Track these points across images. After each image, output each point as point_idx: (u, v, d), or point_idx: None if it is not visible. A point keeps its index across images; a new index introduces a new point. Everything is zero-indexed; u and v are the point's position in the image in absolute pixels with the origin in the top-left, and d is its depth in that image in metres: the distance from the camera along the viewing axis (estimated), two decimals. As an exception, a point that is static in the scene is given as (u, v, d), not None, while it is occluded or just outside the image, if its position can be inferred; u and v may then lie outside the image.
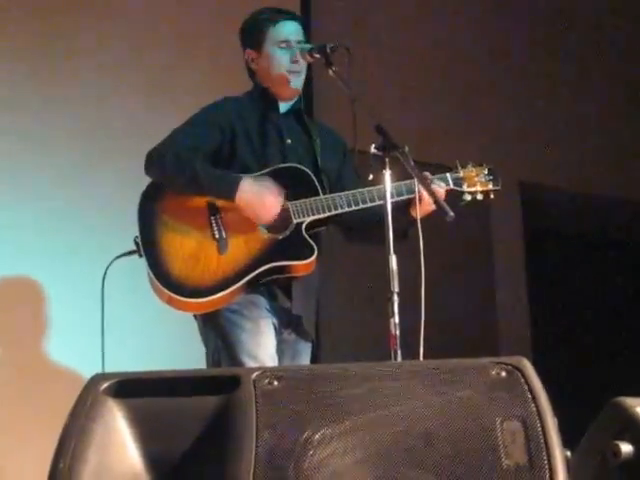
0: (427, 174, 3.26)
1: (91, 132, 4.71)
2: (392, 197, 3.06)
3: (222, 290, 3.18)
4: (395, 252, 2.91)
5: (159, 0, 5.19)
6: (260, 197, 3.23)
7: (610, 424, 2.16)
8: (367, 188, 3.27)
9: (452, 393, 1.95)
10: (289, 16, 3.51)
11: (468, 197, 3.38)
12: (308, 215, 3.27)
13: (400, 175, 3.13)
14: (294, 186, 3.31)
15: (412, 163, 2.99)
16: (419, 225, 3.15)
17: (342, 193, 3.30)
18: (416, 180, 3.10)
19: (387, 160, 3.01)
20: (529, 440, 1.89)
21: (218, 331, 3.27)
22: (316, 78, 5.47)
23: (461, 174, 3.40)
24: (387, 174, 3.02)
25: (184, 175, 3.26)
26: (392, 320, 2.89)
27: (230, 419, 1.97)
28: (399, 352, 2.86)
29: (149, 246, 3.23)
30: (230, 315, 3.25)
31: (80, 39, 4.80)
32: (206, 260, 3.21)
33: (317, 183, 3.34)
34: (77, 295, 4.31)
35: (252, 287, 3.24)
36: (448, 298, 5.66)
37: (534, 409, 1.91)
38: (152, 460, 2.00)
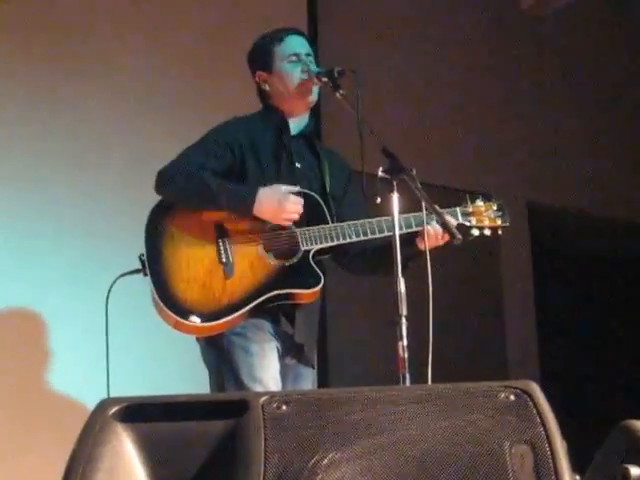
0: (436, 207, 3.22)
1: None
2: (401, 229, 3.06)
3: (227, 315, 3.17)
4: (403, 276, 2.91)
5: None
6: (279, 203, 3.21)
7: (619, 447, 2.15)
8: (376, 219, 3.27)
9: (460, 417, 1.94)
10: (293, 31, 3.53)
11: (476, 232, 3.35)
12: (316, 243, 3.26)
13: (407, 198, 3.13)
14: (303, 212, 3.28)
15: (419, 186, 3.00)
16: (427, 249, 3.16)
17: (351, 222, 3.28)
18: (423, 203, 3.09)
19: (395, 183, 3.01)
20: (538, 464, 1.88)
21: (222, 354, 3.25)
22: (323, 101, 5.51)
23: (470, 209, 3.37)
24: (395, 197, 3.02)
25: (197, 191, 3.25)
26: (400, 343, 2.88)
27: (238, 444, 1.96)
28: (407, 376, 2.86)
29: (155, 266, 3.21)
30: (234, 338, 3.23)
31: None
32: (212, 284, 3.20)
33: (326, 209, 3.33)
34: (81, 316, 4.32)
35: (257, 312, 3.23)
36: (457, 321, 5.67)
37: (543, 433, 1.90)
38: (161, 485, 1.99)
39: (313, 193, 3.35)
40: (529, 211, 6.65)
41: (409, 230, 3.24)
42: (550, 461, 1.88)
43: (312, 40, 5.47)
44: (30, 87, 4.71)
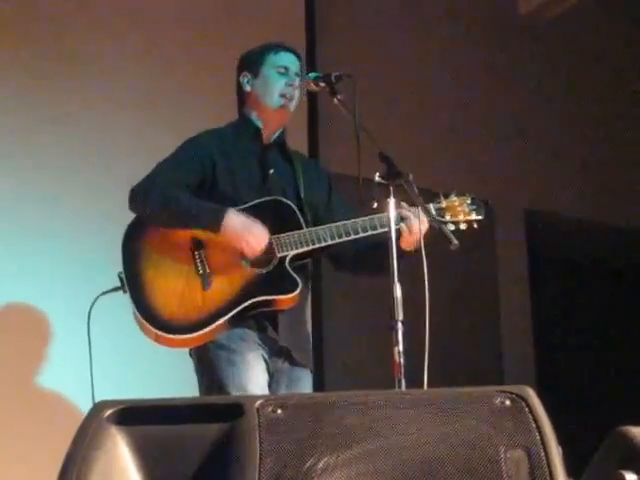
0: (433, 212, 3.28)
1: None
2: (365, 231, 3.19)
3: (207, 326, 3.20)
4: (399, 281, 2.91)
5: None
6: (247, 228, 3.24)
7: (615, 453, 2.14)
8: (351, 220, 3.29)
9: (456, 422, 1.94)
10: (291, 49, 3.56)
11: (452, 227, 3.35)
12: (291, 249, 3.29)
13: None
14: (277, 219, 3.32)
15: (416, 191, 3.00)
16: (423, 253, 3.16)
17: (325, 226, 3.31)
18: (420, 208, 3.10)
19: (392, 188, 3.01)
20: (533, 469, 1.88)
21: (208, 367, 3.28)
22: (321, 106, 5.52)
23: (444, 204, 3.40)
24: (391, 202, 3.02)
25: (169, 209, 3.28)
26: (396, 348, 2.88)
27: (233, 447, 1.96)
28: (403, 381, 2.86)
29: (134, 283, 3.24)
30: (219, 351, 3.25)
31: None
32: (191, 296, 3.23)
33: (300, 216, 3.35)
34: (64, 332, 4.36)
35: (239, 321, 3.26)
36: (453, 326, 5.67)
37: (538, 438, 1.90)
38: (155, 488, 1.99)
39: (287, 200, 3.38)
40: (526, 218, 6.65)
41: (374, 232, 3.27)
42: (545, 466, 1.88)
43: (310, 49, 5.56)
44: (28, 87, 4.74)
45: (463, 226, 3.40)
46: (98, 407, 2.04)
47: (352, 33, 6.12)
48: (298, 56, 3.58)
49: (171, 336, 3.20)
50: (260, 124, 3.54)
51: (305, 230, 3.32)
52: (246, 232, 3.23)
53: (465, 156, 6.39)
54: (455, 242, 2.93)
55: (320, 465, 1.90)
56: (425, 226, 3.21)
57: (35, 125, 4.70)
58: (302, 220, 3.35)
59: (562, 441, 1.96)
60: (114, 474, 1.98)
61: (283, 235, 3.30)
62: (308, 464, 1.90)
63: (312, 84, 3.37)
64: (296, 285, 3.27)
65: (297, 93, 3.52)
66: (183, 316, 3.20)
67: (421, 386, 2.87)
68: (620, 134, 7.09)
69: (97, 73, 4.92)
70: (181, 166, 3.39)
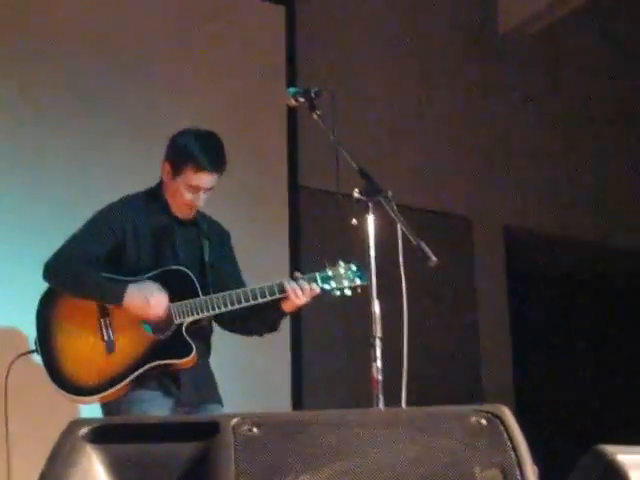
0: (298, 273, 3.54)
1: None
2: (255, 299, 3.48)
3: (110, 388, 3.46)
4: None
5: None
6: (146, 299, 3.47)
7: (591, 472, 2.14)
8: (242, 289, 3.53)
9: (432, 441, 1.94)
10: (212, 168, 3.57)
11: (337, 293, 3.53)
12: (188, 316, 3.51)
13: (382, 221, 3.13)
14: (178, 288, 3.54)
15: (395, 208, 3.01)
16: (402, 269, 3.21)
17: (219, 294, 3.53)
18: (399, 225, 3.10)
19: (370, 205, 3.02)
20: (509, 489, 1.88)
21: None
22: (301, 122, 5.52)
23: (330, 272, 3.55)
24: (370, 218, 3.03)
25: (76, 286, 3.53)
26: (374, 365, 2.89)
27: (209, 466, 1.95)
28: (381, 397, 2.86)
29: (44, 349, 3.50)
30: (124, 405, 3.47)
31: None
32: (95, 360, 3.49)
33: (197, 284, 3.56)
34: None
35: (142, 381, 3.48)
36: (431, 343, 5.67)
37: (514, 457, 1.90)
38: (130, 507, 1.97)
39: (186, 270, 3.58)
40: (505, 234, 6.67)
41: (272, 297, 3.50)
42: (521, 486, 1.88)
43: (290, 63, 5.57)
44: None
45: (348, 292, 3.53)
46: (73, 425, 2.02)
47: (333, 48, 6.12)
48: (219, 171, 3.60)
49: (75, 397, 3.49)
50: (169, 201, 3.67)
51: (201, 298, 3.53)
52: (145, 304, 3.46)
53: (444, 173, 6.40)
54: (434, 259, 2.94)
55: (296, 484, 1.89)
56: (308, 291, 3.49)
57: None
58: (199, 288, 3.55)
59: (539, 459, 1.97)
60: (89, 493, 1.97)
61: (179, 304, 3.52)
62: (284, 483, 1.89)
63: (292, 99, 3.38)
64: (190, 350, 3.49)
65: (202, 201, 3.62)
66: (86, 379, 3.47)
67: (399, 402, 2.87)
68: (600, 150, 7.13)
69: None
70: (94, 238, 3.61)
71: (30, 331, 3.55)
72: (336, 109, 3.16)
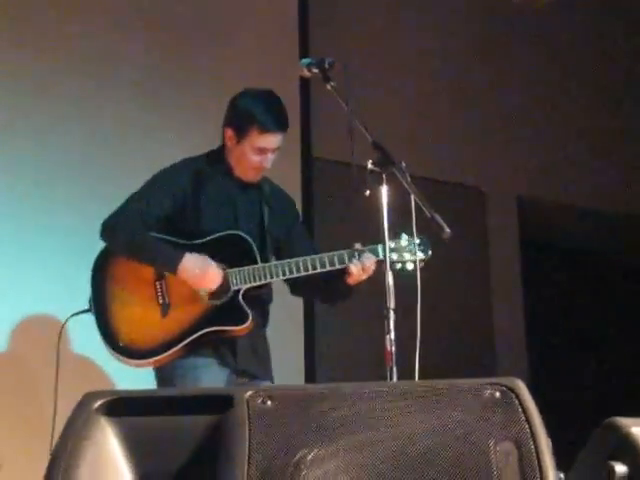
0: (358, 245, 3.42)
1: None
2: (324, 267, 3.39)
3: (163, 352, 3.41)
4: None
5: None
6: (201, 271, 3.41)
7: (604, 444, 2.14)
8: (302, 257, 3.44)
9: (446, 414, 1.94)
10: (277, 128, 3.52)
11: (398, 266, 3.42)
12: (245, 283, 3.46)
13: (396, 192, 3.13)
14: (235, 253, 3.49)
15: (409, 179, 3.00)
16: (416, 241, 3.23)
17: (278, 262, 3.50)
18: (412, 196, 3.09)
19: (384, 176, 3.01)
20: (522, 461, 1.88)
21: (166, 383, 3.46)
22: (314, 92, 5.50)
23: (393, 245, 3.43)
24: (384, 190, 3.02)
25: (132, 250, 3.50)
26: (388, 337, 2.89)
27: (223, 439, 1.96)
28: (395, 369, 2.86)
29: (99, 310, 3.47)
30: (177, 371, 3.44)
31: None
32: (150, 323, 3.45)
33: (256, 251, 3.50)
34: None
35: (196, 348, 3.43)
36: (445, 316, 5.66)
37: (528, 430, 1.90)
38: (144, 479, 1.98)
39: (245, 235, 3.52)
40: (518, 205, 6.65)
41: (331, 268, 3.42)
42: (535, 458, 1.88)
43: (303, 35, 5.54)
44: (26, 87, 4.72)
45: (410, 266, 3.43)
46: (87, 398, 2.03)
47: (347, 19, 6.08)
48: (284, 130, 3.56)
49: (128, 360, 3.44)
50: (233, 165, 3.60)
51: (259, 265, 3.47)
52: (199, 275, 3.41)
53: (458, 143, 6.37)
54: (447, 230, 2.93)
55: (310, 457, 1.90)
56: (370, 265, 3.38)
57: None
58: (258, 254, 3.50)
59: (552, 433, 1.96)
60: (103, 465, 1.98)
61: (237, 270, 3.45)
62: (298, 456, 1.90)
63: (305, 70, 3.35)
64: (246, 317, 3.44)
65: (269, 163, 3.56)
66: (141, 342, 3.44)
67: (413, 375, 2.88)
68: (615, 122, 7.07)
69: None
70: (153, 200, 3.54)
71: (85, 290, 3.50)
72: (350, 80, 3.14)
